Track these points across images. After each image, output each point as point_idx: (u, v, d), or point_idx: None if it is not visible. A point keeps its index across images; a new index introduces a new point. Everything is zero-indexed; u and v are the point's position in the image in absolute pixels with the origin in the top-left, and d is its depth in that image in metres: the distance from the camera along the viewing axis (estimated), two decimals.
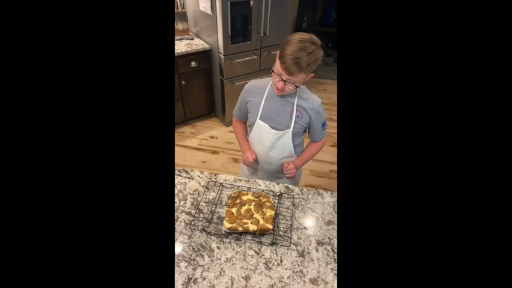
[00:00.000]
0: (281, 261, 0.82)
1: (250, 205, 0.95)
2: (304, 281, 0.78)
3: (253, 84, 1.15)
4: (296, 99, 1.07)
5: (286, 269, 0.80)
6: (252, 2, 2.11)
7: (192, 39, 2.48)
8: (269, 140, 1.13)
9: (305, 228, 0.92)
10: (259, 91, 1.12)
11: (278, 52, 0.94)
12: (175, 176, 1.11)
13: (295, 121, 1.08)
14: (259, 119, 1.12)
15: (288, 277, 0.78)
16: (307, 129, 1.16)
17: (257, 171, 1.29)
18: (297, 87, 0.99)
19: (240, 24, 2.18)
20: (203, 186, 1.07)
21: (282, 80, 0.95)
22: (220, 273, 0.79)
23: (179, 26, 2.55)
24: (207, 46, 2.36)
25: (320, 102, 1.09)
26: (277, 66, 0.95)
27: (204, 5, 2.20)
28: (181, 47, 2.31)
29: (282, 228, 0.92)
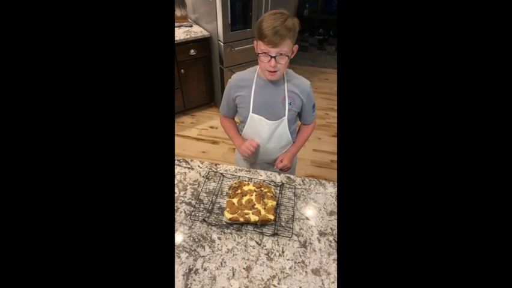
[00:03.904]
0: (283, 252, 0.82)
1: (252, 195, 0.93)
2: (306, 272, 0.77)
3: (238, 77, 1.10)
4: (286, 85, 1.04)
5: (288, 259, 0.80)
6: None
7: (191, 26, 2.42)
8: (266, 131, 1.10)
9: (307, 218, 0.91)
10: (246, 84, 1.07)
11: (255, 37, 0.94)
12: (175, 166, 1.09)
13: (288, 108, 1.06)
14: (252, 112, 1.08)
15: (290, 268, 0.78)
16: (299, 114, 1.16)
17: (255, 165, 1.26)
18: (288, 57, 0.94)
19: (240, 10, 2.12)
20: (203, 177, 1.05)
21: (272, 57, 0.91)
22: (221, 264, 0.78)
23: (177, 12, 2.49)
24: (206, 33, 2.31)
25: (309, 84, 1.09)
26: (261, 46, 0.92)
27: None
28: (179, 34, 2.25)
29: (283, 219, 0.91)
